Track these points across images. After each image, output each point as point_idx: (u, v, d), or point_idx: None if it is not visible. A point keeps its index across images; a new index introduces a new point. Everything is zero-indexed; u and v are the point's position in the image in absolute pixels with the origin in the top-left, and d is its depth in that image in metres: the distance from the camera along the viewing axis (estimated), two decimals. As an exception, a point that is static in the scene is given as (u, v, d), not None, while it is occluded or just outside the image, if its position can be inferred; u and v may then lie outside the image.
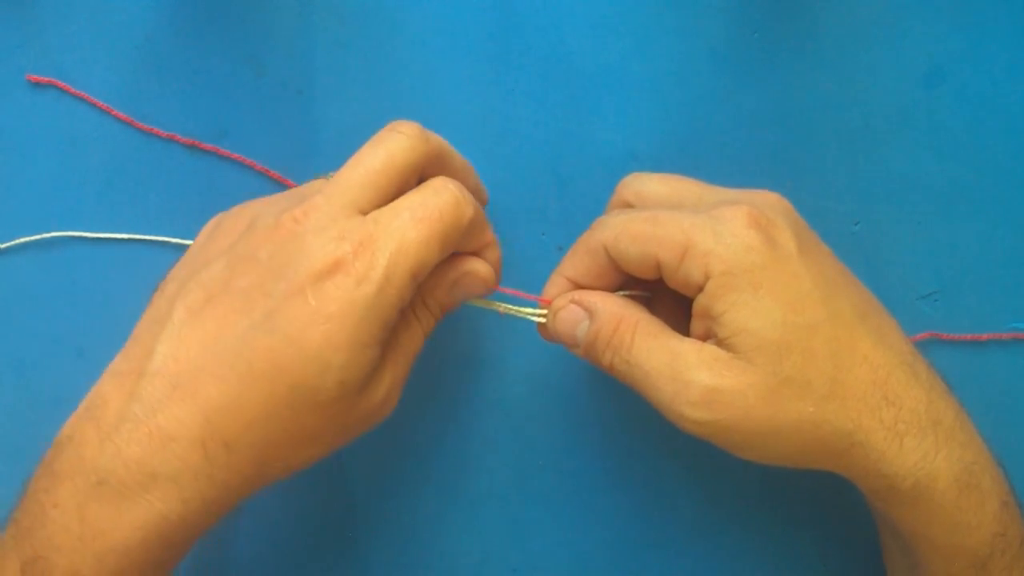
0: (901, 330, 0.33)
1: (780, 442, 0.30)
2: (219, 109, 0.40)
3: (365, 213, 0.30)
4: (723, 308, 0.30)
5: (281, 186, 0.40)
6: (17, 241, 0.40)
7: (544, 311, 0.35)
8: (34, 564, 0.27)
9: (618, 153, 0.40)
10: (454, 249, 0.32)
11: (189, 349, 0.29)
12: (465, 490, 0.41)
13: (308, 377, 0.28)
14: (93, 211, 0.40)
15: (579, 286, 0.34)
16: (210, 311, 0.29)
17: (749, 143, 0.40)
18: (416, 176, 0.32)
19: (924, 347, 0.39)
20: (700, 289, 0.31)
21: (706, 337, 0.31)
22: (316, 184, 0.34)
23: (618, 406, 0.41)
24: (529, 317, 0.35)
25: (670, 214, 0.32)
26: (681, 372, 0.30)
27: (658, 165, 0.40)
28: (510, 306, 0.35)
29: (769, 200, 0.33)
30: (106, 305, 0.40)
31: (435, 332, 0.34)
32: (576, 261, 0.34)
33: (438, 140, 0.34)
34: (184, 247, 0.39)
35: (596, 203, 0.38)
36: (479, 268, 0.33)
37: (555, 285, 0.34)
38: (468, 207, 0.31)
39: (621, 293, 0.34)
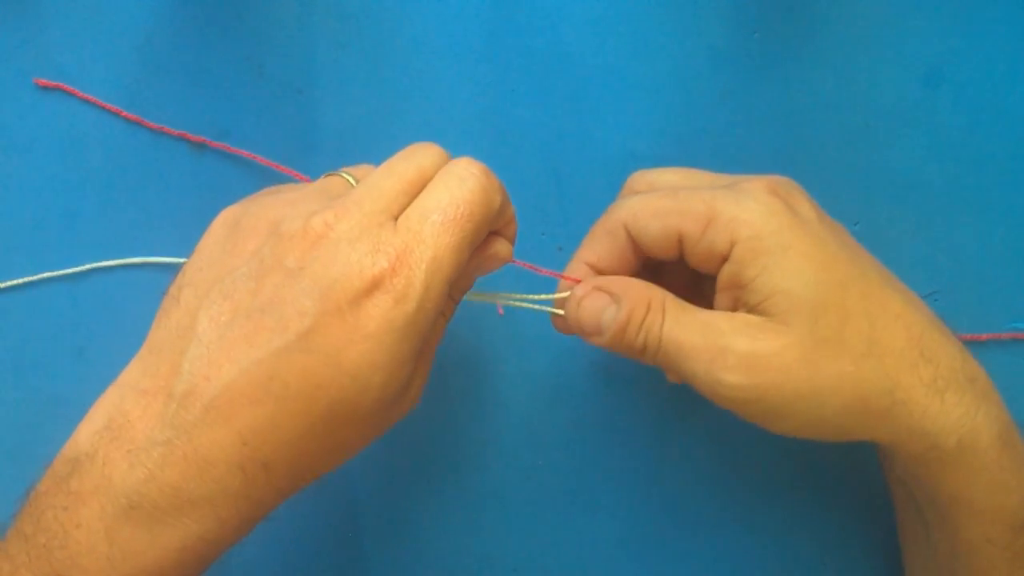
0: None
1: (820, 405, 0.30)
2: (220, 109, 0.40)
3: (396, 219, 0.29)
4: (754, 272, 0.30)
5: (286, 177, 0.40)
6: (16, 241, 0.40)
7: (563, 295, 0.34)
8: None
9: (618, 153, 0.40)
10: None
11: (220, 368, 0.27)
12: (465, 490, 0.41)
13: (347, 396, 0.27)
14: (94, 211, 0.40)
15: (599, 271, 0.34)
16: (239, 327, 0.27)
17: (748, 143, 0.40)
18: None
19: (924, 347, 0.39)
20: (724, 259, 0.31)
21: (735, 309, 0.31)
22: (338, 185, 0.32)
23: (618, 406, 0.41)
24: (545, 308, 0.34)
25: (690, 189, 0.32)
26: (715, 340, 0.30)
27: (657, 164, 0.39)
28: (516, 297, 0.34)
29: (783, 179, 0.33)
30: (107, 305, 0.40)
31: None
32: (596, 244, 0.33)
33: None
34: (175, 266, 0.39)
35: (596, 203, 0.38)
36: (501, 250, 0.32)
37: (575, 271, 0.34)
38: (496, 194, 0.30)
39: (569, 276, 0.34)
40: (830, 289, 0.30)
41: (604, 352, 0.40)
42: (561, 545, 0.41)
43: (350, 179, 0.32)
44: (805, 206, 0.32)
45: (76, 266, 0.40)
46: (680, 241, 0.32)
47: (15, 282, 0.40)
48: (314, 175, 0.40)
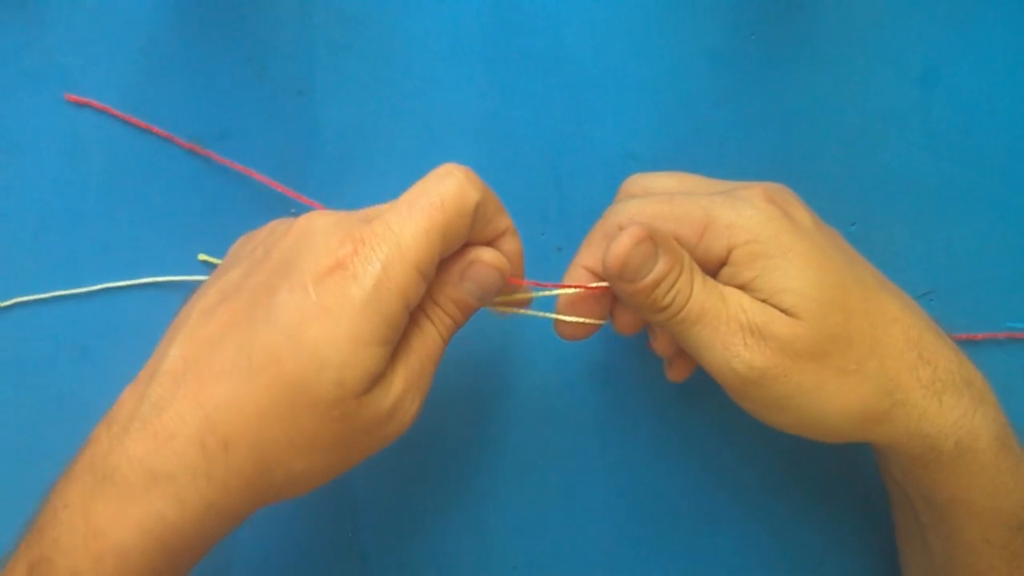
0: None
1: (822, 401, 0.30)
2: (220, 110, 0.40)
3: None
4: (753, 274, 0.30)
5: (280, 195, 0.40)
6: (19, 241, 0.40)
7: (600, 285, 0.33)
8: (39, 565, 0.27)
9: (617, 154, 0.41)
10: (462, 239, 0.30)
11: (196, 347, 0.29)
12: (466, 490, 0.41)
13: (306, 373, 0.27)
14: (95, 211, 0.40)
15: (597, 275, 0.33)
16: (222, 310, 0.30)
17: (746, 144, 0.41)
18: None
19: (921, 346, 0.39)
20: (722, 264, 0.31)
21: None
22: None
23: (619, 406, 0.41)
24: (552, 312, 0.34)
25: (686, 195, 0.32)
26: (737, 314, 0.30)
27: (656, 166, 0.40)
28: (547, 286, 0.34)
29: (778, 186, 0.34)
30: (111, 304, 0.40)
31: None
32: (594, 248, 0.33)
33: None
34: (184, 284, 0.40)
35: (595, 203, 0.38)
36: (485, 256, 0.31)
37: (574, 276, 0.34)
38: (473, 192, 0.29)
39: (593, 285, 0.33)
40: (834, 289, 0.30)
41: (604, 352, 0.41)
42: (561, 545, 0.41)
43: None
44: (801, 213, 0.33)
45: (78, 267, 0.40)
46: None
47: (23, 299, 0.40)
48: (314, 176, 0.40)
